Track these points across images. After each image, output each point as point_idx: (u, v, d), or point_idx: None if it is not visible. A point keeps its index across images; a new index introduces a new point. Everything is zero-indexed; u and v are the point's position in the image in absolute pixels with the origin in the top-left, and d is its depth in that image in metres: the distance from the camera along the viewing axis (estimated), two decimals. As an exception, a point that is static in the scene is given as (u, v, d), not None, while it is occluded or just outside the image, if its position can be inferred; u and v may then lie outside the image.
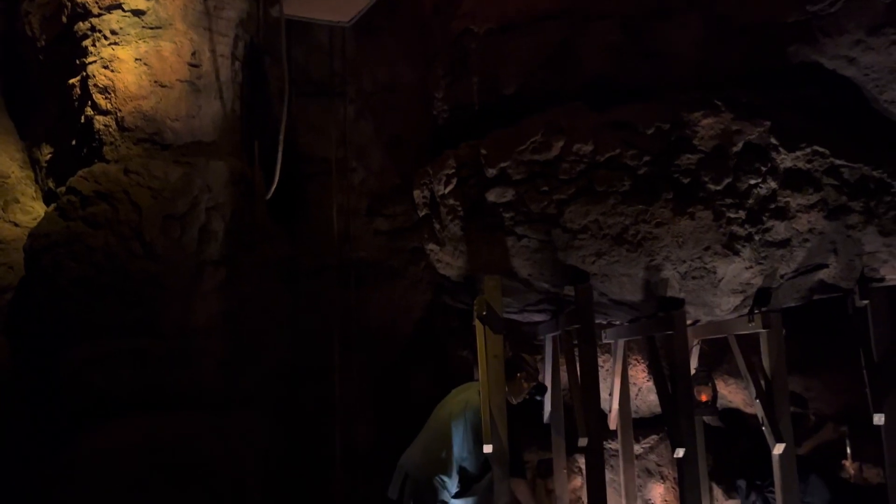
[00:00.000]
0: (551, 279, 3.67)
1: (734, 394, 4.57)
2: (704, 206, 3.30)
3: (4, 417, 4.09)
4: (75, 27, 4.20)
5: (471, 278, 3.92)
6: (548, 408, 4.36)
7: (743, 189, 3.29)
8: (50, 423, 3.90)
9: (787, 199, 3.30)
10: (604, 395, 4.10)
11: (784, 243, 3.35)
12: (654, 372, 3.86)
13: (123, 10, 4.09)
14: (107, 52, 4.08)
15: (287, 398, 4.47)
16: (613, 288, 3.58)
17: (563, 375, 4.19)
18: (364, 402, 4.73)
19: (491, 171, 3.55)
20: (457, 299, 4.63)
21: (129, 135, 4.05)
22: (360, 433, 4.65)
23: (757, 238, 3.32)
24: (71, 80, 4.23)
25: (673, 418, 3.60)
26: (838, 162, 3.31)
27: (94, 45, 4.12)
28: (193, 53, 4.18)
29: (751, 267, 3.38)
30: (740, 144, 3.28)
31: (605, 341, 4.34)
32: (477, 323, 3.67)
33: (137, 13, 4.09)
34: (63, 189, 4.09)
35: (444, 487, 3.90)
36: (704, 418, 4.34)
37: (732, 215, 3.30)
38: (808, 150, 3.30)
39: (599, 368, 3.86)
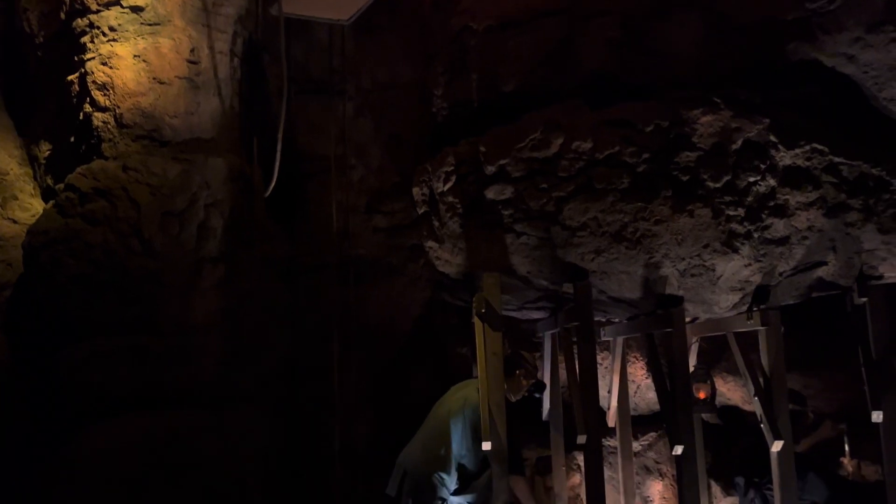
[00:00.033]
0: (550, 276, 3.67)
1: (733, 391, 4.58)
2: (703, 203, 3.31)
3: (3, 416, 4.08)
4: (74, 24, 4.19)
5: (470, 275, 3.92)
6: (547, 405, 4.37)
7: (742, 187, 3.29)
8: (49, 421, 3.89)
9: (786, 196, 3.31)
10: (602, 392, 4.11)
11: (783, 241, 3.35)
12: (653, 369, 3.86)
13: (122, 7, 4.08)
14: (105, 48, 4.07)
15: (286, 396, 4.47)
16: (612, 285, 3.58)
17: (562, 373, 4.19)
18: (363, 399, 4.73)
19: (490, 169, 3.55)
20: (456, 296, 4.63)
21: (127, 131, 4.05)
22: (359, 430, 4.65)
23: (756, 236, 3.32)
24: (69, 77, 4.22)
25: (672, 416, 3.60)
26: (837, 160, 3.32)
27: (92, 41, 4.11)
28: (192, 50, 4.17)
29: (750, 264, 3.38)
30: (739, 142, 3.29)
31: (603, 339, 4.35)
32: (476, 320, 3.67)
33: (136, 10, 4.08)
34: (62, 186, 4.09)
35: (443, 485, 3.90)
36: (703, 416, 4.35)
37: (731, 213, 3.30)
38: (808, 147, 3.30)
39: (598, 366, 3.87)
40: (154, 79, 4.07)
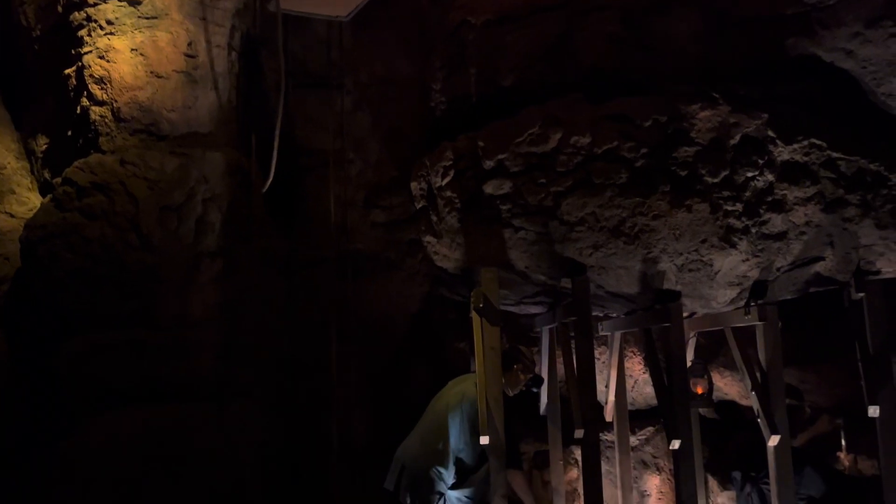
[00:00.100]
0: (548, 271, 3.67)
1: (730, 386, 4.59)
2: (701, 198, 3.31)
3: (2, 410, 4.08)
4: (71, 17, 4.18)
5: (468, 270, 3.92)
6: (544, 399, 4.37)
7: (740, 182, 3.29)
8: (47, 415, 3.90)
9: (784, 191, 3.31)
10: (600, 386, 4.11)
11: (781, 236, 3.36)
12: (651, 364, 3.87)
13: (119, 0, 4.07)
14: (102, 42, 4.06)
15: (285, 390, 4.48)
16: (610, 280, 3.59)
17: (560, 367, 4.19)
18: (361, 393, 4.73)
19: (488, 163, 3.55)
20: (454, 291, 4.63)
21: (125, 125, 4.04)
22: (357, 425, 4.66)
23: (754, 231, 3.33)
24: (67, 71, 4.21)
25: (669, 410, 3.61)
26: (835, 155, 3.32)
27: (89, 35, 4.10)
28: (190, 44, 4.17)
29: (747, 259, 3.38)
30: (738, 137, 3.28)
31: (601, 333, 4.35)
32: (474, 315, 3.68)
33: (133, 3, 4.07)
34: (59, 180, 4.08)
35: (441, 479, 3.91)
36: (700, 410, 4.36)
37: (729, 208, 3.30)
38: (806, 142, 3.30)
39: (596, 360, 3.86)
40: (151, 73, 4.06)
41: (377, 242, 4.83)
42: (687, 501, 3.54)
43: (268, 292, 4.34)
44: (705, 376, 4.22)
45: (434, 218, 3.89)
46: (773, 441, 3.51)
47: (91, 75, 4.06)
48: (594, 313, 3.89)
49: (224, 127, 4.32)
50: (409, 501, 3.91)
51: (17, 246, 4.12)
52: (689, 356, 4.21)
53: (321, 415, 4.51)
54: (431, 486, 3.89)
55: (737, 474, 4.21)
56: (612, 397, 4.30)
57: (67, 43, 4.20)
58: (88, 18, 4.11)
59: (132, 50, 4.04)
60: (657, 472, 4.77)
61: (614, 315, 4.19)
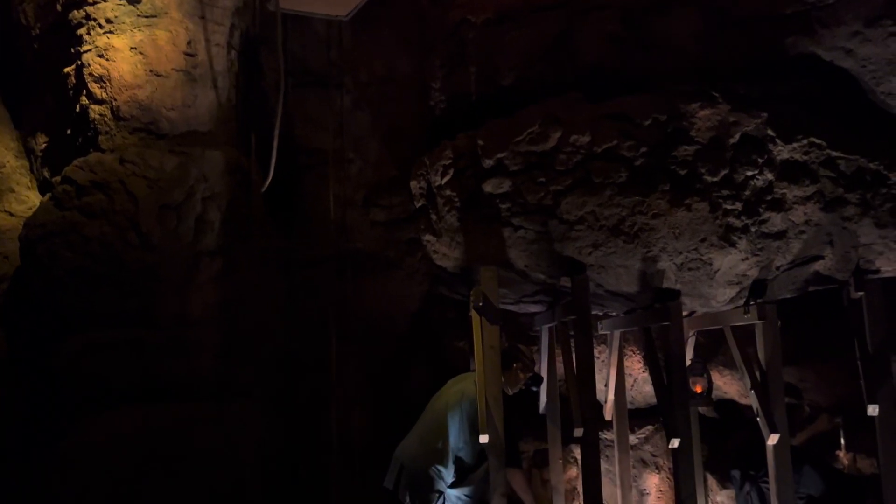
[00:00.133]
0: (548, 270, 3.67)
1: (729, 385, 4.59)
2: (701, 197, 3.31)
3: (1, 409, 4.08)
4: (70, 15, 4.17)
5: (467, 269, 3.92)
6: (544, 398, 4.38)
7: (740, 181, 3.29)
8: (46, 414, 3.89)
9: (784, 190, 3.31)
10: (599, 385, 4.11)
11: (780, 235, 3.36)
12: (650, 363, 3.87)
13: (118, -1, 4.07)
14: (102, 40, 4.06)
15: (284, 389, 4.47)
16: (610, 279, 3.59)
17: (560, 366, 4.20)
18: (361, 392, 4.73)
19: (488, 162, 3.55)
20: (453, 290, 4.63)
21: (124, 124, 4.03)
22: (356, 424, 4.66)
23: (753, 230, 3.33)
24: (66, 69, 4.20)
25: (668, 409, 3.62)
26: (835, 154, 3.32)
27: (88, 33, 4.09)
28: (189, 42, 4.16)
29: (747, 258, 3.39)
30: (737, 136, 3.29)
31: (601, 332, 4.36)
32: (473, 314, 3.68)
33: (132, 1, 4.06)
34: (58, 178, 4.07)
35: (440, 478, 3.92)
36: (699, 409, 4.36)
37: (729, 207, 3.30)
38: (805, 141, 3.30)
39: (595, 359, 3.87)
40: (151, 71, 4.06)
41: (377, 241, 4.83)
42: (686, 500, 3.54)
43: (267, 291, 4.33)
44: (704, 375, 4.22)
45: (434, 217, 3.89)
46: (773, 440, 3.52)
47: (90, 74, 4.06)
48: (593, 312, 3.90)
49: (223, 126, 4.31)
50: (408, 500, 3.91)
51: (17, 244, 4.11)
52: (689, 355, 4.21)
53: (321, 414, 4.51)
54: (431, 484, 3.90)
55: (736, 473, 4.21)
56: (611, 396, 4.30)
57: (67, 41, 4.19)
58: (88, 17, 4.10)
59: (131, 48, 4.04)
60: (656, 471, 4.77)
61: (614, 314, 4.20)
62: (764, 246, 3.37)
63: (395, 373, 4.84)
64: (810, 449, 4.19)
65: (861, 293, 3.57)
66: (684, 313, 3.76)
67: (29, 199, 4.52)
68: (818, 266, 3.50)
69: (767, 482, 3.70)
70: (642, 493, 4.75)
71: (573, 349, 3.68)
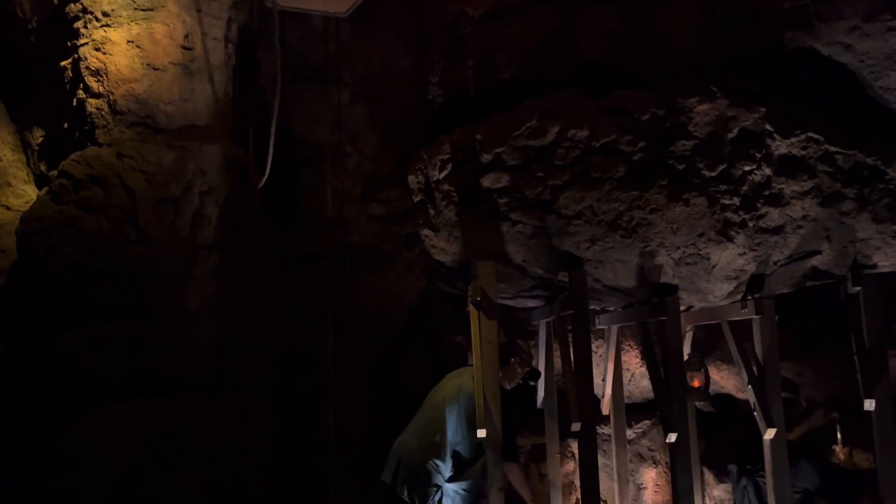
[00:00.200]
0: (546, 265, 3.67)
1: (726, 379, 4.60)
2: (699, 192, 3.31)
3: (-3, 403, 4.08)
4: (66, 9, 4.15)
5: (465, 264, 3.92)
6: (541, 393, 4.38)
7: (737, 175, 3.30)
8: (43, 409, 3.88)
9: (782, 185, 3.31)
10: (597, 380, 4.12)
11: (778, 230, 3.36)
12: (648, 357, 3.88)
13: (115, -8, 4.05)
14: (98, 34, 4.04)
15: (282, 384, 4.47)
16: (607, 274, 3.59)
17: (557, 361, 4.20)
18: (359, 387, 4.73)
19: (486, 157, 3.55)
20: (451, 285, 4.63)
21: (121, 118, 4.02)
22: (354, 418, 4.66)
23: (751, 224, 3.33)
24: (63, 63, 4.19)
25: (665, 403, 3.62)
26: (833, 149, 3.32)
27: (85, 26, 4.08)
28: (186, 36, 4.14)
29: (744, 253, 3.39)
30: (735, 131, 3.29)
31: (598, 327, 4.36)
32: (471, 308, 3.68)
33: (129, -6, 4.05)
34: (55, 173, 4.06)
35: (438, 472, 3.92)
36: (697, 404, 4.37)
37: (727, 202, 3.31)
38: (803, 136, 3.31)
39: (593, 354, 3.88)
40: (148, 65, 4.04)
41: (374, 236, 4.82)
42: (683, 494, 3.55)
43: (265, 286, 4.33)
44: (702, 370, 4.23)
45: (431, 211, 3.89)
46: (769, 434, 3.53)
47: (87, 67, 4.04)
48: (591, 307, 3.90)
49: (221, 120, 4.30)
50: (406, 494, 3.92)
51: (14, 239, 4.10)
52: (686, 350, 4.22)
53: (319, 408, 4.51)
54: (429, 478, 3.90)
55: (733, 467, 4.22)
56: (608, 391, 4.31)
57: (63, 35, 4.17)
58: (84, 10, 4.08)
59: (128, 42, 4.02)
60: (654, 465, 4.78)
61: (611, 309, 4.20)
62: (761, 241, 3.37)
63: (393, 367, 4.84)
64: (807, 443, 4.20)
65: (858, 288, 3.58)
66: (682, 308, 3.77)
67: (26, 193, 4.50)
68: (815, 261, 3.50)
69: (764, 476, 3.71)
70: (639, 488, 4.77)
71: (571, 344, 3.68)
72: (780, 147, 3.30)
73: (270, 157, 4.18)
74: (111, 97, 4.01)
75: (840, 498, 3.96)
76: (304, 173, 4.76)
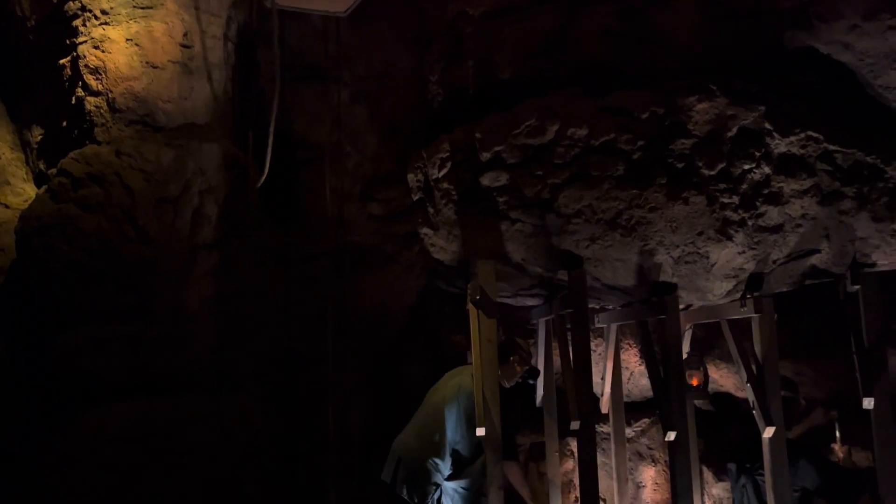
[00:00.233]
0: (545, 264, 3.67)
1: (725, 378, 4.61)
2: (698, 191, 3.31)
3: (-4, 402, 4.07)
4: (65, 7, 4.15)
5: (464, 263, 3.92)
6: (540, 391, 4.38)
7: (737, 174, 3.30)
8: (43, 409, 3.88)
9: (781, 184, 3.31)
10: (596, 378, 4.13)
11: (777, 228, 3.36)
12: (647, 356, 3.88)
13: (114, -10, 4.04)
14: (97, 32, 4.03)
15: (282, 383, 4.47)
16: (607, 272, 3.59)
17: (556, 359, 4.21)
18: (358, 386, 4.73)
19: (485, 155, 3.55)
20: (450, 284, 4.63)
21: (120, 116, 4.02)
22: (354, 417, 4.66)
23: (750, 223, 3.33)
24: (61, 61, 4.18)
25: (665, 402, 3.63)
26: (832, 147, 3.32)
27: (84, 25, 4.07)
28: (185, 34, 4.14)
29: (743, 252, 3.39)
30: (735, 129, 3.29)
31: (597, 325, 4.36)
32: (471, 307, 3.68)
33: (128, -8, 4.05)
34: (54, 171, 4.06)
35: (438, 470, 3.92)
36: (696, 402, 4.38)
37: (726, 200, 3.31)
38: (802, 135, 3.31)
39: (592, 352, 3.88)
40: (147, 63, 4.04)
41: (374, 235, 4.82)
42: (682, 493, 3.55)
43: (264, 285, 4.33)
44: (701, 368, 4.24)
45: (431, 210, 3.89)
46: (768, 433, 3.53)
47: (86, 65, 4.04)
48: (590, 305, 3.90)
49: (220, 119, 4.30)
50: (405, 493, 3.92)
51: (13, 237, 4.09)
52: (685, 348, 4.23)
53: (318, 407, 4.50)
54: (428, 477, 3.90)
55: (732, 466, 4.23)
56: (608, 389, 4.31)
57: (62, 33, 4.17)
58: (83, 8, 4.08)
59: (127, 40, 4.02)
60: (653, 464, 4.79)
61: (610, 307, 4.20)
62: (761, 239, 3.37)
63: (393, 366, 4.84)
64: (806, 442, 4.20)
65: (857, 287, 3.58)
66: (681, 307, 3.77)
67: (25, 191, 4.50)
68: (815, 260, 3.50)
69: (763, 475, 3.72)
70: (638, 486, 4.77)
71: (570, 342, 3.68)
72: (780, 146, 3.30)
73: (269, 157, 4.18)
74: (110, 95, 4.01)
75: (839, 496, 3.96)
76: (304, 173, 4.75)
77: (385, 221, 4.83)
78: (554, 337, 4.17)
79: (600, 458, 4.38)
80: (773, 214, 3.33)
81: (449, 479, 3.94)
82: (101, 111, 4.02)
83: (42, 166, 4.41)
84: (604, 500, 4.57)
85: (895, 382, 3.80)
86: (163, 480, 3.65)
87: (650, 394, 4.56)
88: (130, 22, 4.04)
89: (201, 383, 3.96)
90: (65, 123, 4.20)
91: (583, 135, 3.37)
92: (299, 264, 4.69)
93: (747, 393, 3.64)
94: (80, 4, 4.09)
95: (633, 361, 4.72)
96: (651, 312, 3.72)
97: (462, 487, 3.95)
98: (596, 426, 4.23)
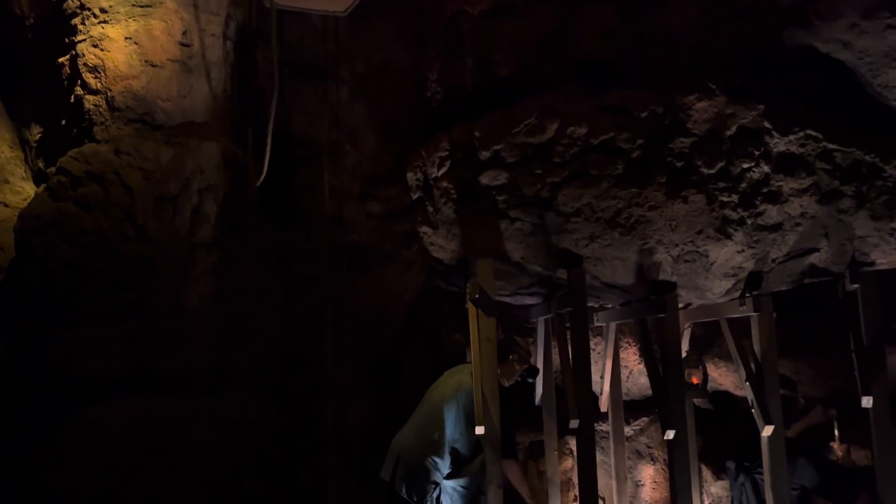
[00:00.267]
0: (544, 262, 3.67)
1: (724, 377, 4.61)
2: (697, 189, 3.31)
3: (-5, 401, 4.07)
4: (64, 5, 4.15)
5: (464, 261, 3.92)
6: (539, 390, 4.38)
7: (736, 173, 3.30)
8: (42, 407, 3.88)
9: (780, 183, 3.31)
10: (595, 377, 4.13)
11: (776, 227, 3.36)
12: (646, 355, 3.88)
13: (113, -12, 4.04)
14: (96, 30, 4.03)
15: (280, 381, 4.47)
16: (606, 271, 3.59)
17: (555, 358, 4.21)
18: (357, 385, 4.73)
19: (484, 154, 3.55)
20: (450, 282, 4.63)
21: (119, 115, 4.02)
22: (353, 416, 4.66)
23: (749, 222, 3.33)
24: (60, 59, 4.18)
25: (664, 401, 3.63)
26: (831, 146, 3.32)
27: (83, 23, 4.07)
28: (184, 32, 4.14)
29: (743, 251, 3.39)
30: (734, 128, 3.29)
31: (596, 324, 4.36)
32: (470, 306, 3.68)
33: (127, -10, 4.05)
34: (53, 169, 4.06)
35: (437, 469, 3.93)
36: (695, 401, 4.38)
37: (725, 199, 3.31)
38: (802, 134, 3.31)
39: (591, 351, 3.88)
40: (146, 61, 4.04)
41: (373, 234, 4.82)
42: (681, 491, 3.56)
43: (264, 284, 4.33)
44: (700, 367, 4.24)
45: (430, 209, 3.89)
46: (767, 431, 3.53)
47: (85, 64, 4.04)
48: (589, 304, 3.90)
49: (219, 117, 4.30)
50: (404, 491, 3.92)
51: (11, 236, 4.09)
52: (685, 347, 4.23)
53: (317, 405, 4.51)
54: (427, 476, 3.91)
55: (731, 464, 4.23)
56: (607, 388, 4.31)
57: (61, 31, 4.17)
58: (82, 6, 4.08)
59: (126, 38, 4.02)
60: (652, 462, 4.79)
61: (610, 306, 4.20)
62: (760, 238, 3.37)
63: (392, 365, 4.84)
64: (805, 440, 4.21)
65: (856, 285, 3.58)
66: (680, 305, 3.77)
67: (24, 190, 4.50)
68: (814, 258, 3.51)
69: (762, 473, 3.72)
70: (637, 485, 4.77)
71: (569, 341, 3.68)
72: (779, 144, 3.30)
73: (268, 155, 4.18)
74: (109, 94, 4.01)
75: (838, 495, 3.97)
76: (303, 171, 4.75)
77: (384, 220, 4.83)
78: (553, 335, 4.17)
79: (599, 457, 4.38)
80: (772, 213, 3.33)
81: (448, 477, 3.94)
82: (101, 109, 4.02)
83: (41, 165, 4.41)
84: (603, 499, 4.57)
85: (894, 381, 3.81)
86: (162, 479, 3.65)
87: (649, 392, 4.56)
88: (129, 20, 4.04)
89: (200, 382, 3.96)
90: (64, 122, 4.20)
91: (582, 133, 3.37)
92: (298, 263, 4.68)
93: (746, 391, 3.64)
94: (79, 3, 4.09)
95: (632, 360, 4.73)
96: (650, 311, 3.72)
97: (461, 486, 3.95)
98: (595, 425, 4.23)
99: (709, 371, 4.40)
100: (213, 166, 4.07)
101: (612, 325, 4.25)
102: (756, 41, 3.41)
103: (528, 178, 3.46)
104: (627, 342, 4.70)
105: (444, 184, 3.73)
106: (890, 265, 3.62)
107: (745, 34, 3.42)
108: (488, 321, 3.64)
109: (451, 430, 3.93)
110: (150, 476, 3.64)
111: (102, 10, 4.05)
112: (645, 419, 4.81)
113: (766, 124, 3.28)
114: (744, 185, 3.30)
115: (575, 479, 4.47)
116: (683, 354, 4.09)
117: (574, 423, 3.55)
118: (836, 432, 4.24)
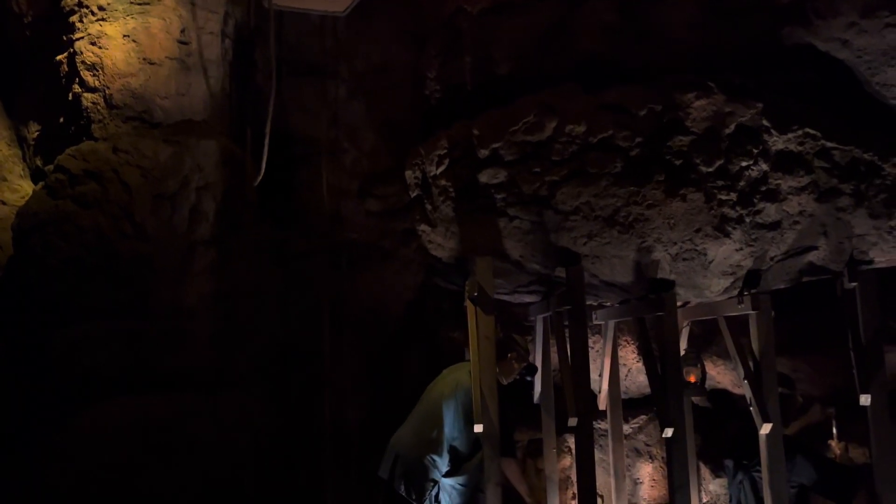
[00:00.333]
0: (543, 260, 3.67)
1: (723, 375, 4.61)
2: (696, 187, 3.31)
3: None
4: (62, 3, 4.14)
5: (462, 259, 3.92)
6: (538, 388, 4.39)
7: (734, 171, 3.30)
8: (40, 406, 3.88)
9: (779, 181, 3.31)
10: (594, 375, 4.13)
11: (774, 225, 3.37)
12: (644, 353, 3.88)
13: (111, -14, 4.03)
14: (94, 28, 4.03)
15: (279, 379, 4.48)
16: (604, 269, 3.59)
17: (554, 356, 4.21)
18: (356, 383, 4.74)
19: (483, 152, 3.54)
20: (448, 280, 4.63)
21: (117, 112, 4.01)
22: (351, 414, 4.67)
23: (748, 220, 3.33)
24: (58, 57, 4.18)
25: (662, 399, 3.63)
26: (829, 144, 3.32)
27: (81, 20, 4.07)
28: (183, 30, 4.13)
29: (741, 249, 3.39)
30: (732, 126, 3.29)
31: (595, 322, 4.36)
32: (468, 304, 3.68)
33: (125, -12, 4.04)
34: (51, 167, 4.05)
35: (435, 467, 3.93)
36: (693, 399, 4.39)
37: (724, 197, 3.31)
38: (800, 132, 3.31)
39: (589, 349, 3.88)
40: (144, 59, 4.03)
41: (371, 232, 4.82)
42: (679, 489, 3.56)
43: (262, 282, 4.33)
44: (698, 365, 4.25)
45: (428, 207, 3.88)
46: (765, 429, 3.54)
47: (83, 62, 4.03)
48: (588, 302, 3.90)
49: (218, 115, 4.29)
50: (403, 489, 3.93)
51: (9, 234, 4.09)
52: (683, 345, 4.23)
53: (315, 403, 4.51)
54: (425, 473, 3.91)
55: (729, 462, 4.24)
56: (605, 386, 4.32)
57: (59, 29, 4.16)
58: (80, 4, 4.08)
59: (124, 36, 4.01)
60: (650, 460, 4.80)
61: (608, 304, 4.21)
62: (758, 236, 3.37)
63: (391, 363, 4.84)
64: (803, 438, 4.21)
65: (855, 284, 3.59)
66: (678, 304, 3.77)
67: (21, 187, 4.49)
68: (812, 257, 3.51)
69: (760, 471, 3.72)
70: (636, 482, 4.78)
71: (568, 339, 3.68)
72: (777, 143, 3.30)
73: (266, 153, 4.18)
74: (107, 91, 4.01)
75: (836, 493, 3.97)
76: (302, 169, 4.75)
77: (383, 218, 4.83)
78: (552, 334, 4.17)
79: (598, 455, 4.39)
80: (770, 211, 3.33)
81: (446, 475, 3.95)
82: (98, 107, 4.02)
83: (39, 162, 4.41)
84: (601, 497, 4.58)
85: (892, 379, 3.81)
86: (161, 476, 3.66)
87: (647, 390, 4.57)
88: (127, 18, 4.03)
89: (199, 380, 3.97)
90: (62, 119, 4.20)
91: (581, 131, 3.37)
92: (297, 261, 4.69)
93: (744, 389, 3.65)
94: (77, 0, 4.08)
95: (630, 358, 4.73)
96: (649, 309, 3.72)
97: (460, 484, 3.96)
98: (593, 423, 4.24)
99: (707, 369, 4.40)
100: (211, 164, 4.06)
101: (611, 324, 4.25)
102: (755, 39, 3.41)
103: (526, 177, 3.46)
104: (626, 340, 4.70)
105: (443, 182, 3.73)
106: (888, 263, 3.62)
107: (743, 32, 3.41)
108: (487, 319, 3.64)
109: (450, 428, 3.93)
110: (150, 475, 3.64)
111: (100, 8, 4.04)
112: (643, 417, 4.81)
113: (765, 122, 3.28)
114: (742, 183, 3.30)
115: (573, 477, 4.48)
116: (682, 352, 4.09)
117: (572, 421, 3.55)
118: (835, 430, 4.25)
